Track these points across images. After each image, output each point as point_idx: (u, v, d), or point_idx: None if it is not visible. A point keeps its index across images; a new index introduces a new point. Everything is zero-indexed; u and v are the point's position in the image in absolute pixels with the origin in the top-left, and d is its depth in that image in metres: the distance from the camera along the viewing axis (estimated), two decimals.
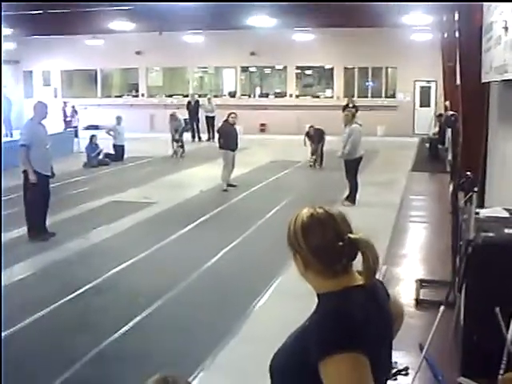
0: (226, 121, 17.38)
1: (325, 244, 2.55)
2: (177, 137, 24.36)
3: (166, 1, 21.39)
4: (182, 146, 24.42)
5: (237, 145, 17.29)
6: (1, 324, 7.37)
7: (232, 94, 35.28)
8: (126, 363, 6.77)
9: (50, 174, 12.02)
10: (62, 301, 8.67)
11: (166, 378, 2.72)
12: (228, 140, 17.02)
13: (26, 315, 8.11)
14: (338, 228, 2.58)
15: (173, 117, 25.07)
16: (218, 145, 17.63)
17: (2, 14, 24.04)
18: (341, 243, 2.54)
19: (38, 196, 11.84)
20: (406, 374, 6.18)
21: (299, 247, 2.59)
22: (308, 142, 20.80)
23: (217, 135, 18.66)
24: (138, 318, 7.99)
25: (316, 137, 20.44)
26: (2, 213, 13.78)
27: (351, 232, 2.60)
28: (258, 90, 35.51)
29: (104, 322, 8.08)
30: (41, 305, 8.48)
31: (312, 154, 20.66)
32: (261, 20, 23.93)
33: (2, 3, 17.51)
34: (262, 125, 33.26)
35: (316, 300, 2.63)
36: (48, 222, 12.22)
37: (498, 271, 5.77)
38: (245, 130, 28.34)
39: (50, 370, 6.68)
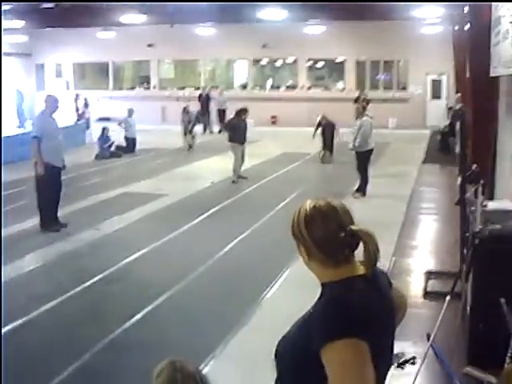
0: (237, 115, 17.47)
1: (327, 235, 2.62)
2: (189, 128, 24.45)
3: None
4: (192, 138, 24.51)
5: (245, 138, 17.32)
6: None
7: (243, 87, 35.34)
8: (136, 353, 6.84)
9: (61, 165, 12.13)
10: (73, 291, 8.76)
11: (174, 362, 2.80)
12: (236, 133, 17.07)
13: (37, 305, 8.21)
14: (340, 219, 2.65)
15: (185, 109, 25.20)
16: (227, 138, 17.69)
17: (14, 6, 24.29)
18: (342, 234, 2.61)
19: (49, 187, 11.96)
20: (413, 363, 6.27)
21: (302, 238, 2.66)
22: (319, 132, 20.67)
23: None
24: (148, 309, 8.07)
25: (327, 128, 20.44)
26: (15, 204, 13.98)
27: (353, 223, 2.67)
28: (269, 83, 35.55)
29: (114, 313, 8.18)
30: (52, 295, 8.58)
31: (323, 146, 20.50)
32: (272, 13, 23.97)
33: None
34: (273, 117, 33.30)
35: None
36: (60, 213, 12.33)
37: (504, 263, 5.84)
38: (256, 122, 28.41)
39: (61, 359, 6.75)
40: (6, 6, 23.53)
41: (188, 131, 24.46)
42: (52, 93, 15.10)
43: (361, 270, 2.67)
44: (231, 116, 18.58)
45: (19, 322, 7.72)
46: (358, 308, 2.51)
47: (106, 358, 6.83)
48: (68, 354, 6.88)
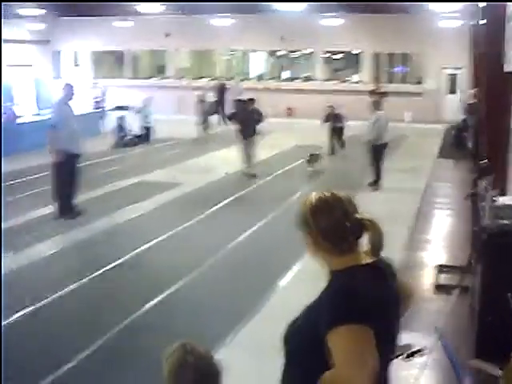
0: (244, 106, 17.48)
1: (332, 224, 2.73)
2: (203, 119, 24.52)
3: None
4: (207, 128, 24.57)
5: (254, 131, 16.78)
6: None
7: (259, 78, 35.33)
8: (147, 339, 6.95)
9: (77, 152, 12.25)
10: (87, 278, 8.89)
11: (185, 344, 2.89)
12: (240, 127, 16.83)
13: (51, 291, 8.34)
14: (345, 208, 2.76)
15: (200, 99, 25.27)
16: None
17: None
18: (347, 223, 2.72)
19: (65, 174, 12.09)
20: (422, 355, 6.35)
21: (309, 228, 2.78)
22: (327, 125, 20.25)
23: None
24: (160, 297, 8.19)
25: (337, 120, 20.01)
26: (32, 191, 14.14)
27: (357, 212, 2.77)
28: (285, 74, 35.51)
29: (126, 300, 8.29)
30: (66, 281, 8.71)
31: (330, 141, 20.20)
32: (289, 5, 23.98)
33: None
34: (289, 109, 33.25)
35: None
36: (76, 201, 12.47)
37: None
38: (271, 113, 28.48)
39: (73, 343, 6.88)
40: None
41: (201, 121, 24.53)
42: (69, 80, 15.25)
43: (366, 259, 2.77)
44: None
45: (33, 307, 7.86)
46: (361, 296, 2.61)
47: (117, 344, 6.94)
48: (80, 338, 7.01)
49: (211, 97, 28.75)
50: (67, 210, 12.19)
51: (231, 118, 18.86)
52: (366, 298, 2.62)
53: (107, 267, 9.33)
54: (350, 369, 2.49)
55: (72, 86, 12.51)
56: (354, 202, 2.81)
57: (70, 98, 12.35)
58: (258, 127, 17.02)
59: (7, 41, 32.16)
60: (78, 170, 12.43)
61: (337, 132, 20.27)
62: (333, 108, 20.39)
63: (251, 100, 17.37)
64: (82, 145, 12.66)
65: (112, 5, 26.21)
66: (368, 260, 2.78)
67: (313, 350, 2.65)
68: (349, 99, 26.55)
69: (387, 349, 2.75)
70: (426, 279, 8.88)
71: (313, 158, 17.45)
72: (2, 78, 31.01)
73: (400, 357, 6.16)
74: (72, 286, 8.55)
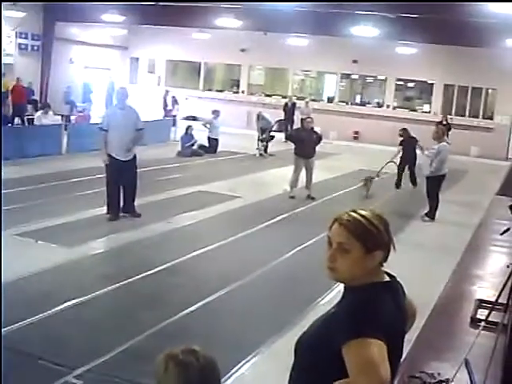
0: (301, 126, 17.65)
1: (386, 240, 2.94)
2: (263, 136, 24.76)
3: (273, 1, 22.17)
4: (266, 146, 24.77)
5: (310, 152, 16.58)
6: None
7: (330, 100, 35.43)
8: (182, 342, 7.13)
9: (122, 158, 12.41)
10: (134, 278, 9.25)
11: (191, 349, 3.03)
12: (297, 146, 16.63)
13: (97, 286, 8.76)
14: (386, 227, 2.97)
15: (259, 116, 25.55)
16: None
17: (117, 2, 25.23)
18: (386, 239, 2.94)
19: (111, 177, 12.54)
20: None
21: (364, 242, 2.89)
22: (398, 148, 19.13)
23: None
24: (202, 302, 8.44)
25: (409, 144, 18.98)
26: (88, 191, 14.60)
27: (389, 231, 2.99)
28: (357, 98, 35.50)
29: (168, 303, 8.59)
30: (113, 278, 9.12)
31: (400, 167, 19.10)
32: (364, 30, 24.16)
33: None
34: (356, 132, 33.23)
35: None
36: (135, 204, 12.88)
37: None
38: (338, 136, 28.85)
39: (111, 339, 7.20)
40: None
41: (260, 138, 24.82)
42: (124, 85, 15.69)
43: (385, 278, 2.98)
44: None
45: (78, 300, 8.23)
46: (380, 311, 2.80)
47: (157, 342, 7.10)
48: (118, 335, 7.33)
49: (273, 114, 28.68)
50: (114, 211, 12.59)
51: (287, 137, 18.93)
52: (384, 313, 2.81)
53: (155, 270, 9.66)
54: (364, 381, 2.59)
55: (124, 92, 12.95)
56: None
57: (123, 103, 12.70)
58: (319, 148, 17.15)
59: (90, 44, 33.33)
60: (135, 174, 12.81)
61: (409, 162, 19.22)
62: (407, 131, 19.47)
63: (309, 119, 17.43)
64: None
65: (191, 16, 26.81)
66: (387, 278, 2.98)
67: (327, 360, 2.81)
68: (418, 128, 26.38)
69: (395, 364, 2.90)
70: (464, 312, 8.91)
71: (368, 182, 17.58)
72: (83, 78, 32.29)
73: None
74: (116, 285, 8.91)
